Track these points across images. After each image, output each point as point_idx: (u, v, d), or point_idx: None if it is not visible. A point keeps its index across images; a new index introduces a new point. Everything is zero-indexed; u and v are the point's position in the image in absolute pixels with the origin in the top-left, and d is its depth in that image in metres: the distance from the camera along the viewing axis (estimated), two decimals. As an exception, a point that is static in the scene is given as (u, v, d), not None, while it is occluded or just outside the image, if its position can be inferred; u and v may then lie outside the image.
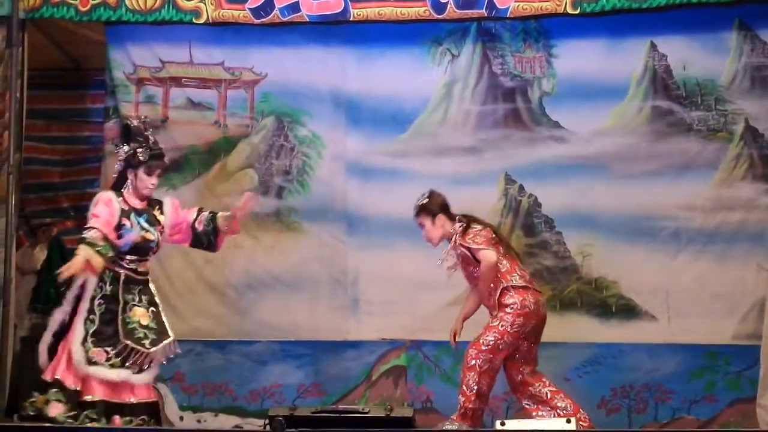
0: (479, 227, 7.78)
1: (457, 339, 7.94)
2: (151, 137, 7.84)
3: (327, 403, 8.48)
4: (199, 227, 7.87)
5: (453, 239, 7.80)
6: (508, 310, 7.64)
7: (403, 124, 9.48)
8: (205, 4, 9.05)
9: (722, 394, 8.83)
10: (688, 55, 9.16)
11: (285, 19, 9.04)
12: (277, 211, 9.60)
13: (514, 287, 7.68)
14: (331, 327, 9.37)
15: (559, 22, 9.10)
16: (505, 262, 7.74)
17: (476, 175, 9.40)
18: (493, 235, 7.78)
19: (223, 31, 9.39)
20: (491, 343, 7.61)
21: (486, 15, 8.91)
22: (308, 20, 9.06)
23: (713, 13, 8.97)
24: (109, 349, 7.49)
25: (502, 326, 7.63)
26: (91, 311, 7.55)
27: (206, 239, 7.90)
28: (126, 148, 7.75)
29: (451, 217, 7.90)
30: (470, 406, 7.61)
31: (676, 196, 9.15)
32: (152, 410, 7.63)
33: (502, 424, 7.23)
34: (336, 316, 9.41)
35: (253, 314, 9.46)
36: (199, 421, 9.12)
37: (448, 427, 7.64)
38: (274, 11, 9.00)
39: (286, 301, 9.44)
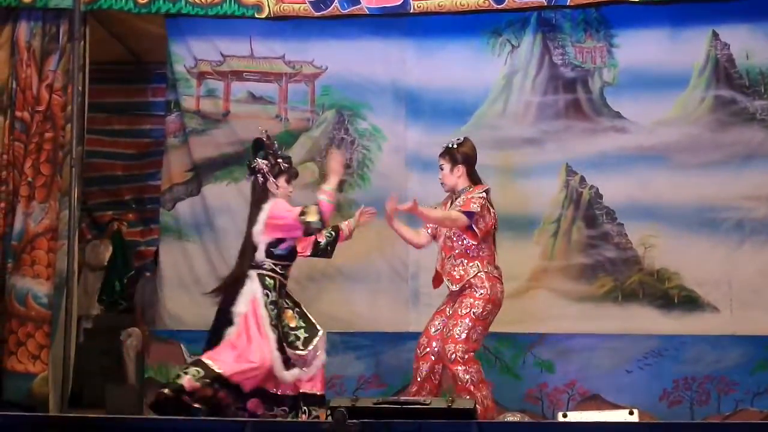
0: (484, 203, 7.92)
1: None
2: (279, 151, 8.20)
3: (387, 395, 8.47)
4: (321, 241, 8.24)
5: (457, 196, 8.05)
6: (477, 294, 7.86)
7: (464, 116, 9.45)
8: (266, -2, 9.14)
9: (786, 386, 8.79)
10: (751, 44, 9.07)
11: (345, 12, 9.06)
12: (338, 204, 9.57)
13: (487, 274, 7.88)
14: (391, 319, 9.37)
15: (620, 11, 9.07)
16: (486, 251, 7.94)
17: (537, 167, 9.36)
18: (491, 220, 7.95)
19: (283, 24, 9.39)
20: (466, 331, 7.80)
21: (546, 4, 8.91)
22: (368, 13, 9.09)
23: (776, 2, 8.94)
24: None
25: (474, 313, 7.83)
26: (270, 317, 7.84)
27: (325, 251, 8.28)
28: (264, 161, 8.08)
29: (472, 176, 8.09)
30: (478, 395, 7.75)
31: (739, 186, 9.07)
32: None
33: (564, 416, 7.23)
34: (397, 309, 9.40)
35: (314, 306, 9.44)
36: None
37: (510, 418, 7.63)
38: (334, 4, 9.03)
39: (347, 293, 9.43)
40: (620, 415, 7.30)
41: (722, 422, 8.59)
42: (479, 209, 7.85)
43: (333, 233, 8.25)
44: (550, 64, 9.39)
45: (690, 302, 9.08)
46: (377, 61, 9.55)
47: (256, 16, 9.19)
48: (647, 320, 9.08)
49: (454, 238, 7.98)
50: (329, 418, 6.95)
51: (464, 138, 8.23)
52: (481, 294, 7.84)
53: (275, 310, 7.86)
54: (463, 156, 8.09)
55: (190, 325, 9.42)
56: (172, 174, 9.75)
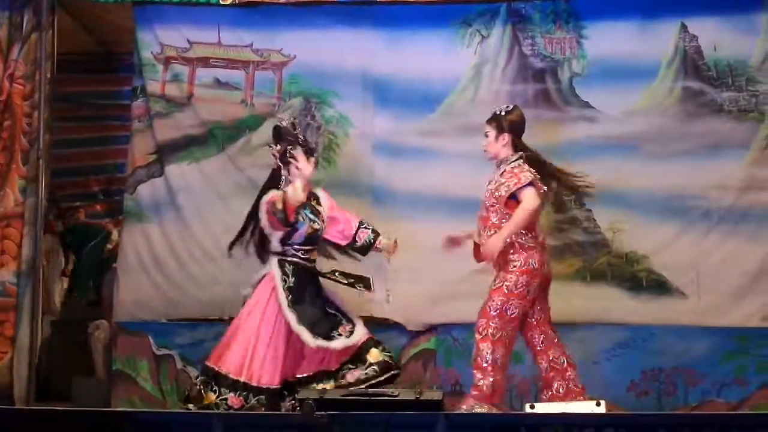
0: (530, 171, 7.78)
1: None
2: (300, 135, 8.36)
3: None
4: (359, 241, 8.35)
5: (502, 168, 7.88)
6: (511, 268, 7.68)
7: (432, 104, 9.45)
8: (232, -17, 9.12)
9: (753, 377, 8.81)
10: (719, 36, 9.12)
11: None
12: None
13: (521, 245, 7.70)
14: (356, 297, 9.30)
15: (590, 2, 9.17)
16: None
17: (506, 155, 9.34)
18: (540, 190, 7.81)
19: (252, 13, 9.41)
20: (499, 307, 7.64)
21: (515, -7, 9.01)
22: (336, 0, 9.14)
23: (743, -6, 9.00)
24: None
25: (507, 288, 7.65)
26: (287, 301, 8.04)
27: (360, 250, 8.37)
28: (279, 147, 8.24)
29: (517, 145, 7.91)
30: (490, 379, 7.61)
31: (708, 176, 9.11)
32: None
33: (532, 407, 7.26)
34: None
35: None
36: (228, 404, 9.13)
37: (477, 410, 7.65)
38: (302, -9, 9.11)
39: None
40: (587, 407, 7.33)
41: (689, 413, 8.61)
42: (532, 178, 7.75)
43: (371, 240, 8.34)
44: (520, 55, 9.40)
45: (658, 286, 9.12)
46: (346, 51, 9.52)
47: (222, 2, 9.18)
48: (616, 302, 9.13)
49: (490, 209, 7.81)
50: (298, 411, 6.98)
51: (513, 106, 8.08)
52: (515, 267, 7.67)
53: (290, 296, 8.00)
54: (509, 124, 7.91)
55: (153, 311, 9.48)
56: (136, 158, 9.74)
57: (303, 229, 8.15)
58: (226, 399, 7.84)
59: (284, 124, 8.37)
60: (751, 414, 8.32)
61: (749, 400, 8.79)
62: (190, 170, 9.64)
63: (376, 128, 9.55)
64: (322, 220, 8.27)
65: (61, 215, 11.11)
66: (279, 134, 8.29)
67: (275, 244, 8.18)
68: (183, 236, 9.55)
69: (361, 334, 8.11)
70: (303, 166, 8.17)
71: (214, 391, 7.87)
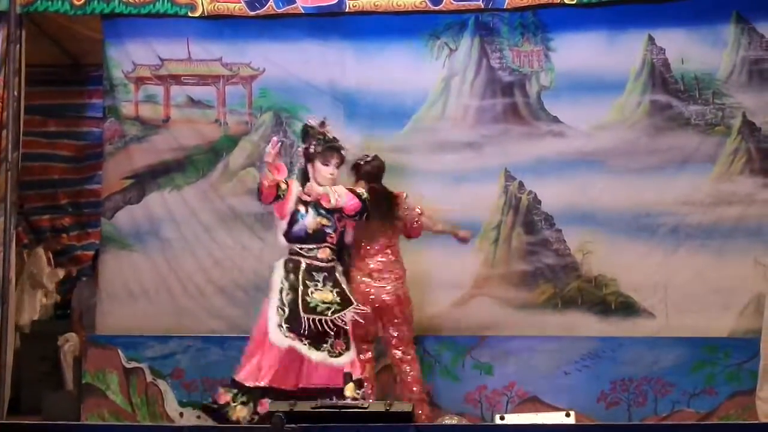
0: None
1: None
2: (328, 133, 8.40)
3: (327, 398, 8.47)
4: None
5: None
6: None
7: (402, 119, 9.45)
8: (200, -4, 9.13)
9: (722, 386, 8.82)
10: (686, 49, 9.17)
11: (280, 11, 9.10)
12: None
13: None
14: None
15: (557, 14, 9.14)
16: None
17: (477, 172, 9.36)
18: None
19: (220, 25, 9.39)
20: None
21: (483, 6, 8.97)
22: (303, 12, 9.12)
23: (711, 6, 9.05)
24: (301, 331, 7.94)
25: None
26: (281, 301, 8.03)
27: None
28: (303, 145, 8.40)
29: None
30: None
31: (675, 191, 9.16)
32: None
33: (502, 418, 7.26)
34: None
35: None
36: (198, 417, 9.00)
37: (448, 421, 7.65)
38: (269, 3, 9.07)
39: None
40: (557, 417, 7.34)
41: (659, 423, 8.65)
42: None
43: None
44: (488, 68, 9.40)
45: (627, 308, 9.15)
46: (315, 63, 9.50)
47: (189, 14, 9.18)
48: (585, 326, 9.13)
49: None
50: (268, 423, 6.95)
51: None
52: None
53: (290, 295, 8.02)
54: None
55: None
56: (111, 183, 9.68)
57: (304, 222, 8.20)
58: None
59: (312, 123, 8.43)
60: (721, 424, 8.38)
61: (719, 409, 8.80)
62: (171, 198, 9.60)
63: (347, 145, 9.50)
64: (338, 218, 8.27)
65: (31, 228, 11.11)
66: (306, 133, 8.42)
67: (280, 241, 8.28)
68: (173, 267, 9.51)
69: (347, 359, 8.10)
70: (321, 168, 8.31)
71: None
